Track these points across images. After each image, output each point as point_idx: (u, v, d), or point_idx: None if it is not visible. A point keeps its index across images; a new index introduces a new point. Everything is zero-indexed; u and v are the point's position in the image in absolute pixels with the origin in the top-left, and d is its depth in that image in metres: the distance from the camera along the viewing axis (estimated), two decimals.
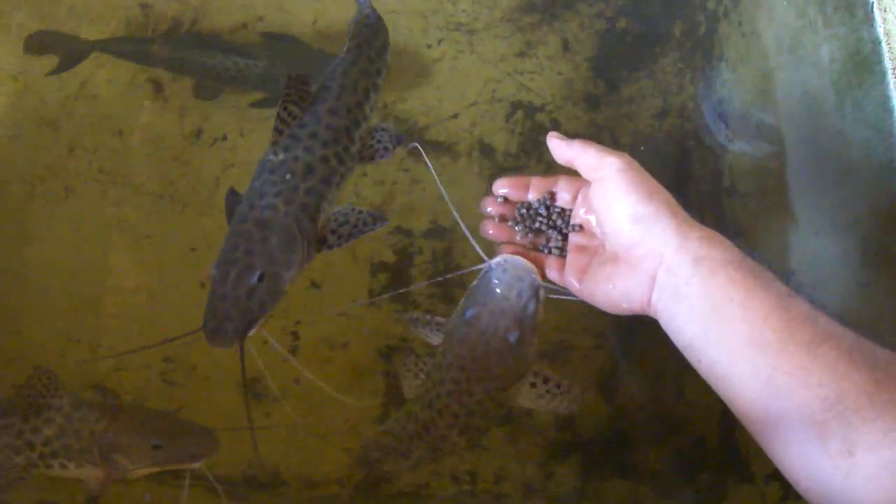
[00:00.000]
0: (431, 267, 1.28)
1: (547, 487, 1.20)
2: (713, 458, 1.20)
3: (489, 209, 0.86)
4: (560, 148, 0.78)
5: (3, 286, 1.23)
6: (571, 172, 0.80)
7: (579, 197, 0.81)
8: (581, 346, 1.24)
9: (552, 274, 0.81)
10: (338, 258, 1.29)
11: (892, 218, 0.99)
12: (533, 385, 0.87)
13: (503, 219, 0.86)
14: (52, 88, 1.34)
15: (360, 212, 0.96)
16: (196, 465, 1.03)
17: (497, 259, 0.81)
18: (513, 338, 0.80)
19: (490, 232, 0.86)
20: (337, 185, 0.96)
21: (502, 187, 0.86)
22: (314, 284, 1.28)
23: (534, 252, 0.83)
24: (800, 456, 0.59)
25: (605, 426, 1.23)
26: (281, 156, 0.93)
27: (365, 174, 1.32)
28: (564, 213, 0.82)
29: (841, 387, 0.56)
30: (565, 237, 0.82)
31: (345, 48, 1.01)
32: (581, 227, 0.81)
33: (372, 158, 1.00)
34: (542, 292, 0.81)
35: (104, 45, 1.35)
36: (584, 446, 1.22)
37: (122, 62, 1.36)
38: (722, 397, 0.66)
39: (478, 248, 0.83)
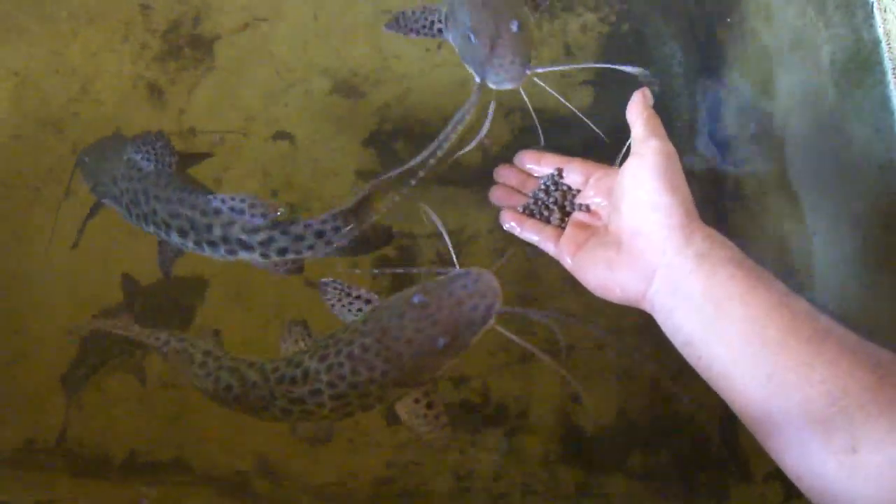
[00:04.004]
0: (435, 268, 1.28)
1: (546, 486, 1.20)
2: (713, 457, 1.20)
3: (501, 176, 0.93)
4: (637, 105, 0.77)
5: (6, 285, 1.23)
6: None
7: (592, 181, 0.83)
8: (582, 346, 1.24)
9: (547, 245, 0.83)
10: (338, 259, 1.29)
11: (892, 218, 0.99)
12: (417, 401, 0.85)
13: (512, 188, 0.92)
14: (55, 89, 1.35)
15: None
16: None
17: (474, 269, 0.81)
18: (441, 343, 0.78)
19: (497, 195, 0.91)
20: None
21: (517, 158, 0.93)
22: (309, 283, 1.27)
23: (532, 219, 0.85)
24: (802, 453, 0.58)
25: (605, 425, 1.22)
26: None
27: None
28: (570, 192, 0.84)
29: (845, 383, 0.56)
30: (567, 213, 0.83)
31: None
32: (587, 207, 0.82)
33: None
34: (492, 321, 0.79)
35: None
36: (585, 445, 1.22)
37: (123, 65, 1.36)
38: (721, 395, 0.65)
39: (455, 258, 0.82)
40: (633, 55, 1.37)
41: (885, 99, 0.96)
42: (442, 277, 0.82)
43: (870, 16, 0.98)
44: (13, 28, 1.37)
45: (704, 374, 0.66)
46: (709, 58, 1.30)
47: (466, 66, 0.94)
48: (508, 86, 0.89)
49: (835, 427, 0.56)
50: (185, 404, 1.20)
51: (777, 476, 1.11)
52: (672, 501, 1.20)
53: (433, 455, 1.20)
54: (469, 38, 0.92)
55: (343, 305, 0.90)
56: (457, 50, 0.98)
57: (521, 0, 0.97)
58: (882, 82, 0.96)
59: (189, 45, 1.38)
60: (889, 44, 0.95)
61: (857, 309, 1.05)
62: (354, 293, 0.91)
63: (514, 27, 0.90)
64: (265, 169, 1.31)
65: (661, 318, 0.70)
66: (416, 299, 0.79)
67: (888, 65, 0.95)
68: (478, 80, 0.91)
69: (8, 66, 1.35)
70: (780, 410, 0.59)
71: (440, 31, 1.02)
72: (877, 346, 0.59)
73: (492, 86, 0.90)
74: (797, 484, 0.60)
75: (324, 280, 0.92)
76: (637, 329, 1.21)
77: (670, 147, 0.74)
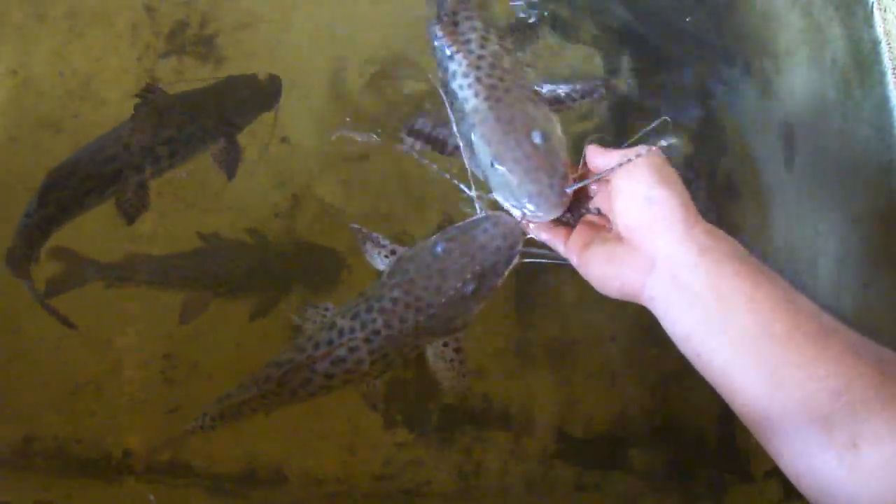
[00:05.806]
0: None
1: (548, 482, 1.20)
2: (712, 456, 1.20)
3: None
4: (596, 156, 0.77)
5: (5, 286, 1.23)
6: None
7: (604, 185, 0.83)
8: (582, 346, 1.24)
9: (557, 244, 0.83)
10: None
11: (892, 218, 0.99)
12: (445, 345, 0.87)
13: None
14: (55, 90, 1.34)
15: None
16: None
17: (493, 213, 0.81)
18: (469, 289, 0.80)
19: None
20: None
21: None
22: None
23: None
24: (803, 450, 0.58)
25: (606, 423, 1.23)
26: None
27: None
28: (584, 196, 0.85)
29: (848, 378, 0.56)
30: (579, 216, 0.84)
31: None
32: (598, 209, 0.82)
33: None
34: (516, 259, 0.81)
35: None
36: (586, 443, 1.22)
37: (125, 66, 1.36)
38: (720, 391, 0.65)
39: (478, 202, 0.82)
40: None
41: (885, 99, 0.97)
42: (461, 224, 0.83)
43: (870, 16, 0.98)
44: (12, 27, 1.37)
45: (703, 370, 0.66)
46: (713, 59, 1.30)
47: (503, 204, 0.79)
48: (553, 216, 0.75)
49: (836, 423, 0.55)
50: (183, 403, 1.20)
51: (775, 474, 1.11)
52: (670, 499, 1.20)
53: (434, 453, 1.20)
54: (493, 165, 0.77)
55: (372, 246, 0.94)
56: (489, 185, 0.81)
57: (538, 102, 0.83)
58: (882, 82, 0.97)
59: (193, 47, 1.38)
60: (889, 44, 0.95)
61: (857, 307, 1.05)
62: (381, 241, 0.93)
63: (536, 139, 0.77)
64: (268, 167, 1.31)
65: (659, 313, 0.70)
66: (439, 248, 0.81)
67: (888, 65, 0.95)
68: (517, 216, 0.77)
69: (7, 66, 1.35)
70: (781, 406, 0.59)
71: (456, 148, 0.86)
72: (878, 344, 0.59)
73: (533, 221, 0.77)
74: (796, 483, 0.60)
75: (364, 232, 0.96)
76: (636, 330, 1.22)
77: (657, 150, 0.74)
